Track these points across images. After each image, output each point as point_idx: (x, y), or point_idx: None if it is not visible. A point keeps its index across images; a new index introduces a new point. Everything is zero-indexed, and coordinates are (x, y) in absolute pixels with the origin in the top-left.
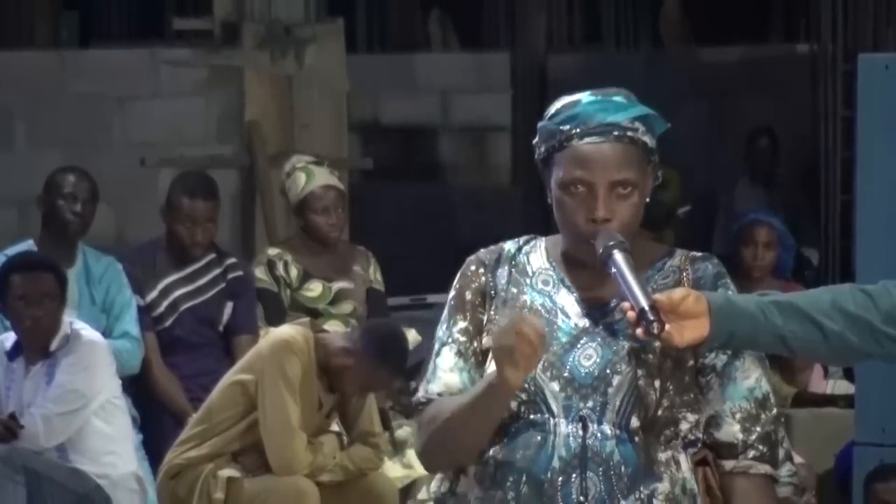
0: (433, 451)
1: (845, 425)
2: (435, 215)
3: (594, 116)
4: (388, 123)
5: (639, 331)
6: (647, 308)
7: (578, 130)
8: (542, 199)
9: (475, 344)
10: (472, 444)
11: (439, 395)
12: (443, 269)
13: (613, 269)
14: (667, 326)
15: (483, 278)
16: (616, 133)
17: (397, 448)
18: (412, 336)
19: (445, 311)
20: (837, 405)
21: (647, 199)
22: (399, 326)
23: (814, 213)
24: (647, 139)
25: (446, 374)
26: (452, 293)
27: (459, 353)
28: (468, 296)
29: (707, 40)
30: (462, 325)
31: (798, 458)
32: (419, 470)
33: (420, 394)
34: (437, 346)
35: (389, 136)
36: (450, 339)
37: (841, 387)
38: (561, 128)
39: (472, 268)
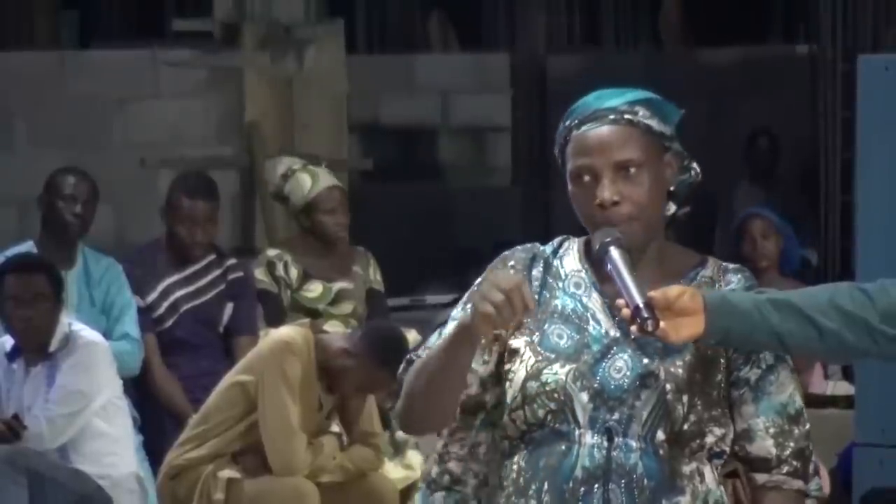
0: (410, 405)
1: (845, 426)
2: (435, 215)
3: (591, 105)
4: (388, 124)
5: (633, 328)
6: (641, 305)
7: (577, 121)
8: (542, 199)
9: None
10: (442, 391)
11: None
12: (443, 270)
13: (609, 266)
14: (661, 324)
15: (515, 273)
16: (612, 116)
17: (397, 449)
18: (412, 337)
19: (466, 296)
20: (838, 406)
21: (673, 188)
22: (399, 327)
23: (814, 214)
24: (653, 123)
25: None
26: (479, 280)
27: None
28: None
29: (706, 41)
30: None
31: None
32: (419, 471)
33: (413, 354)
34: (447, 321)
35: (389, 137)
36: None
37: (841, 387)
38: (564, 124)
39: (506, 264)
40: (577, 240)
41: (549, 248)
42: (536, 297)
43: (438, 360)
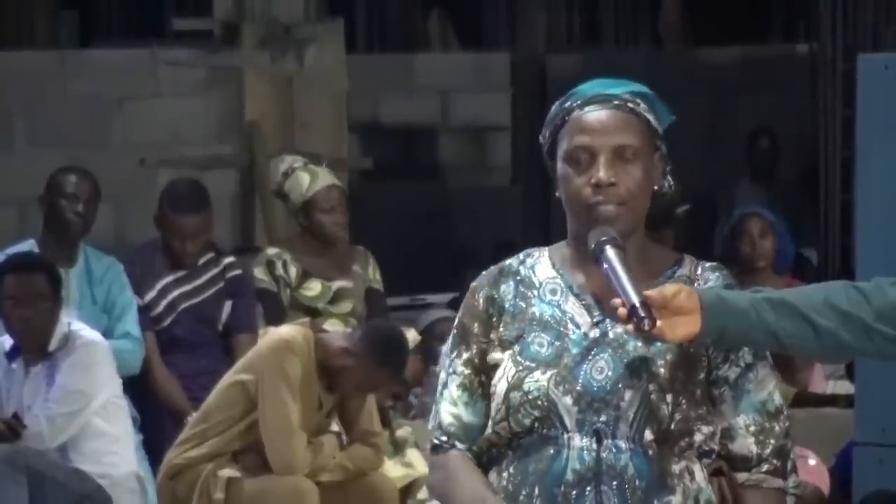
0: None
1: (845, 425)
2: (435, 215)
3: (593, 90)
4: (388, 123)
5: (629, 327)
6: (638, 304)
7: (579, 102)
8: (542, 199)
9: (481, 376)
10: None
11: (449, 428)
12: (442, 270)
13: (605, 265)
14: (658, 322)
15: (484, 303)
16: (616, 102)
17: (397, 448)
18: (412, 336)
19: (450, 341)
20: (837, 405)
21: (656, 187)
22: (399, 327)
23: (814, 212)
24: (650, 118)
25: (453, 407)
26: (456, 322)
27: (464, 387)
28: (474, 327)
29: (706, 40)
30: (465, 356)
31: (812, 461)
32: (419, 469)
33: (432, 426)
34: (443, 377)
35: (389, 136)
36: (453, 373)
37: (841, 387)
38: (563, 105)
39: (474, 295)
40: (544, 249)
41: (514, 262)
42: (511, 309)
43: None
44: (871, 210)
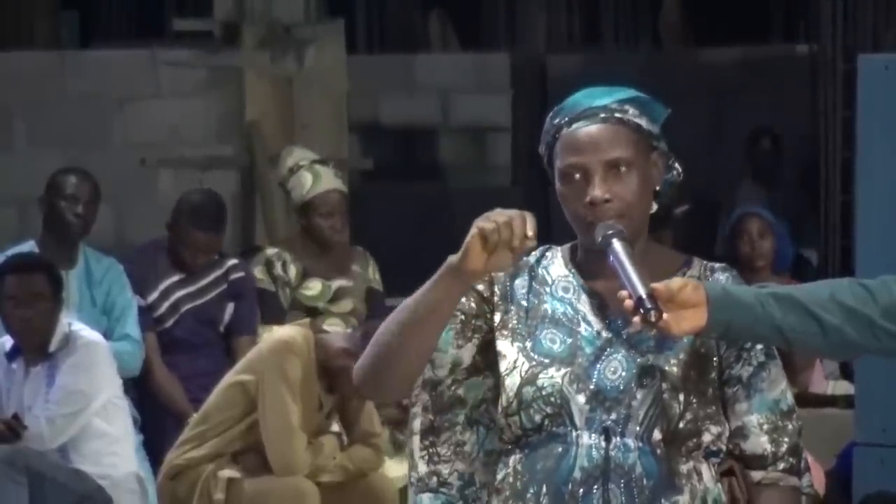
0: (375, 353)
1: (845, 425)
2: (435, 215)
3: (581, 103)
4: (388, 123)
5: (636, 319)
6: (644, 296)
7: (567, 119)
8: (542, 199)
9: (471, 319)
10: (415, 333)
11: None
12: None
13: (612, 258)
14: (664, 315)
15: (501, 277)
16: (603, 115)
17: (397, 448)
18: None
19: None
20: (837, 405)
21: (658, 188)
22: None
23: (814, 213)
24: (642, 122)
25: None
26: None
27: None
28: (479, 285)
29: (707, 40)
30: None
31: (808, 459)
32: None
33: None
34: None
35: (389, 136)
36: None
37: (841, 387)
38: (553, 122)
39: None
40: (560, 248)
41: (532, 258)
42: (524, 303)
43: (416, 301)
44: (871, 210)
